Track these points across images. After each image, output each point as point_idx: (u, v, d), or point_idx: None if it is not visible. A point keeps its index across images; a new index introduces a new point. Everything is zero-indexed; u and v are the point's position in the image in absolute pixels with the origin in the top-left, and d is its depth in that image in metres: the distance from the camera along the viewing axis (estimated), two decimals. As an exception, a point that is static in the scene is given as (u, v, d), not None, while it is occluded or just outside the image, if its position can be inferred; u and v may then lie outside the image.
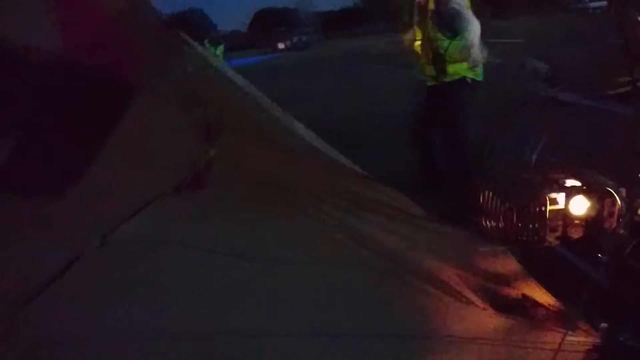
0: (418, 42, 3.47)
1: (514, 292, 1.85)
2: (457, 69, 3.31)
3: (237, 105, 2.59)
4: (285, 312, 1.84)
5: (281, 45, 38.11)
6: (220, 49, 5.53)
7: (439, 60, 3.32)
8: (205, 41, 5.86)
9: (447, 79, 3.35)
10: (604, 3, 33.29)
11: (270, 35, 40.55)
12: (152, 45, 2.53)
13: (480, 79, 3.39)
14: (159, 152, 2.68)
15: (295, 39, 37.55)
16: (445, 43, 3.27)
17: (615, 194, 1.83)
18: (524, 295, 1.85)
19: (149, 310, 1.88)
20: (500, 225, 1.90)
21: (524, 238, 1.83)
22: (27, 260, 2.12)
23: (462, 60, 3.26)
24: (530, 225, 1.83)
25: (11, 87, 2.17)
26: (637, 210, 1.78)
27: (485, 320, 1.73)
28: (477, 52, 3.17)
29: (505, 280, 1.91)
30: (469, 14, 3.16)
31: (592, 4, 33.63)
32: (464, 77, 3.30)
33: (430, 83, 3.48)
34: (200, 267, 2.17)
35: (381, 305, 1.85)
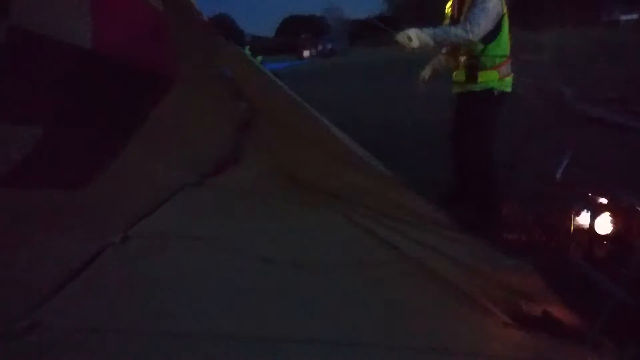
0: (447, 52, 3.42)
1: (536, 308, 1.82)
2: (487, 78, 3.21)
3: (277, 103, 2.62)
4: (304, 317, 1.85)
5: (306, 53, 38.37)
6: (259, 59, 5.76)
7: (471, 65, 3.23)
8: (247, 47, 5.99)
9: (477, 88, 3.26)
10: (635, 16, 32.81)
11: (297, 42, 40.87)
12: (195, 41, 2.57)
13: (508, 89, 3.34)
14: (191, 144, 2.72)
15: (321, 47, 37.76)
16: (480, 47, 3.19)
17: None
18: (546, 311, 1.82)
19: (167, 309, 1.91)
20: (524, 238, 1.88)
21: (548, 252, 1.81)
22: (52, 252, 2.15)
23: (493, 68, 3.22)
24: (554, 241, 1.82)
25: (44, 75, 2.20)
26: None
27: (506, 335, 1.71)
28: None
29: (529, 295, 1.88)
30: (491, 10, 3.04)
31: (623, 17, 33.16)
32: (491, 89, 3.26)
33: (457, 90, 3.40)
34: (221, 267, 2.19)
35: (400, 315, 1.84)
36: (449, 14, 3.45)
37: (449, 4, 3.48)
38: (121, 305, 1.95)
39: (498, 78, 3.20)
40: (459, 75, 3.32)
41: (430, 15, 3.14)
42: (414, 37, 2.84)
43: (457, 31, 2.99)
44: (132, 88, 2.53)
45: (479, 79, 3.20)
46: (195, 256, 2.27)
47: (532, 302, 1.84)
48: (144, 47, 2.57)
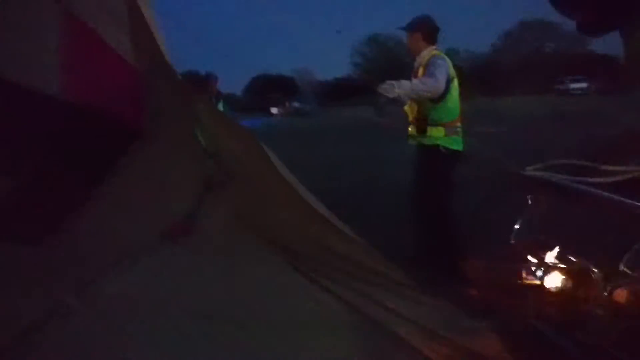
0: (408, 105, 3.71)
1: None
2: (434, 134, 3.52)
3: (249, 162, 2.66)
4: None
5: (274, 110, 39.05)
6: (221, 105, 5.95)
7: (420, 119, 3.58)
8: (221, 102, 6.17)
9: (426, 142, 3.55)
10: (584, 85, 35.05)
11: (266, 100, 41.68)
12: (167, 96, 2.61)
13: (459, 148, 3.56)
14: (157, 201, 2.69)
15: (290, 106, 38.57)
16: (429, 106, 3.52)
17: (592, 276, 1.88)
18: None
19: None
20: (482, 298, 1.93)
21: (505, 309, 1.86)
22: (6, 308, 2.08)
23: (440, 125, 3.47)
24: (511, 301, 1.87)
25: (8, 123, 2.18)
26: (612, 295, 1.82)
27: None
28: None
29: (487, 358, 1.91)
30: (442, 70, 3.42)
31: (573, 85, 35.43)
32: (438, 145, 3.48)
33: (411, 142, 3.72)
34: (179, 331, 2.13)
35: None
36: (414, 72, 3.68)
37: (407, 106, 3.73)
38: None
39: (444, 135, 3.47)
40: (412, 128, 3.68)
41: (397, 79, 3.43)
42: (397, 85, 3.28)
43: (427, 81, 3.36)
44: (100, 141, 2.52)
45: (428, 133, 3.53)
46: (154, 321, 2.20)
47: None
48: (115, 99, 2.59)
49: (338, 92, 48.94)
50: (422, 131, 3.57)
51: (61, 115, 2.35)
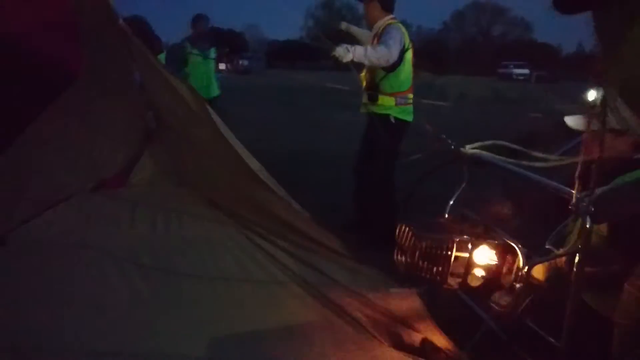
0: (363, 73, 3.68)
1: (415, 334, 1.94)
2: (384, 102, 3.54)
3: (184, 115, 2.57)
4: (187, 331, 1.82)
5: (222, 66, 37.96)
6: (162, 57, 5.39)
7: (372, 87, 3.57)
8: (164, 54, 5.67)
9: (376, 110, 3.56)
10: (527, 72, 36.49)
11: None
12: (108, 41, 2.46)
13: (408, 119, 3.61)
14: (91, 148, 2.58)
15: (237, 62, 37.55)
16: (382, 74, 3.52)
17: (518, 252, 1.98)
18: (424, 338, 1.94)
19: (45, 320, 1.79)
20: (409, 261, 1.99)
21: (429, 277, 1.94)
22: None
23: (391, 95, 3.47)
24: (436, 267, 1.95)
25: None
26: (531, 270, 1.94)
27: (383, 355, 1.80)
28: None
29: (409, 321, 2.00)
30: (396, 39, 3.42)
31: (516, 71, 36.81)
32: (388, 115, 3.51)
33: (363, 110, 3.71)
34: (108, 277, 2.09)
35: (290, 334, 1.88)
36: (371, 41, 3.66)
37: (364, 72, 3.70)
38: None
39: (394, 104, 3.49)
40: (364, 96, 3.66)
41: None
42: (351, 50, 3.24)
43: (380, 49, 3.36)
44: (31, 80, 2.37)
45: (379, 102, 3.55)
46: (79, 266, 2.14)
47: (413, 328, 1.95)
48: (49, 38, 2.42)
49: (287, 53, 48.20)
50: (373, 99, 3.57)
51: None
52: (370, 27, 3.73)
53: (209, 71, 5.84)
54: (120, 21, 2.39)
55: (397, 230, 2.04)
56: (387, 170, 3.62)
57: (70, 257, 2.15)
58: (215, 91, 5.94)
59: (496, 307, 1.97)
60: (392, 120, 3.54)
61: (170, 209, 2.57)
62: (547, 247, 2.09)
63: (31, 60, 2.31)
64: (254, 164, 2.46)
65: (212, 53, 5.92)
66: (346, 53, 3.26)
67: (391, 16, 3.60)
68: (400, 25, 3.56)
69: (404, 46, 3.49)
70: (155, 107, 2.73)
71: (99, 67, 2.56)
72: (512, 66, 37.87)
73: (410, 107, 3.64)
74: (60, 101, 2.49)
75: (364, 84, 3.70)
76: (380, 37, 3.48)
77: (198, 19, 5.75)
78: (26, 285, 1.98)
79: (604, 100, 1.24)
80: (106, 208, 2.51)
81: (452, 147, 2.52)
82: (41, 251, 2.17)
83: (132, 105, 2.76)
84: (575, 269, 1.82)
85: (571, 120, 2.17)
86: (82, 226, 2.37)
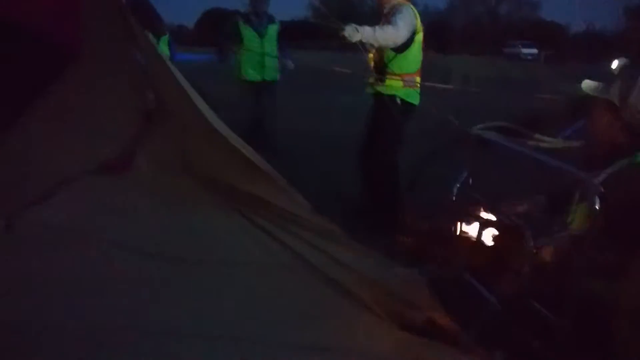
0: (371, 54, 3.64)
1: (420, 315, 1.94)
2: (393, 84, 3.50)
3: (184, 100, 2.55)
4: (197, 314, 1.83)
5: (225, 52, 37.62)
6: (164, 40, 5.08)
7: (381, 68, 3.52)
8: (166, 36, 5.31)
9: (383, 91, 3.52)
10: (535, 51, 35.99)
11: (219, 38, 40.01)
12: (109, 21, 2.42)
13: (414, 102, 3.57)
14: (92, 130, 2.56)
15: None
16: (391, 55, 3.47)
17: (526, 234, 1.97)
18: (429, 319, 1.95)
19: (43, 303, 1.80)
20: (416, 242, 2.00)
21: (435, 258, 1.95)
22: None
23: (398, 76, 3.44)
24: (442, 247, 1.95)
25: None
26: (538, 255, 1.93)
27: (389, 336, 1.81)
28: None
29: (414, 303, 2.00)
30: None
31: (524, 50, 36.28)
32: (395, 96, 3.47)
33: (369, 91, 3.66)
34: (114, 264, 2.09)
35: (292, 315, 1.89)
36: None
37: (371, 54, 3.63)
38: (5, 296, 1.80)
39: (402, 86, 3.44)
40: (372, 77, 3.60)
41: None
42: (360, 30, 3.19)
43: (388, 29, 3.29)
44: (30, 60, 2.34)
45: (386, 83, 3.50)
46: (81, 250, 2.13)
47: (416, 309, 1.96)
48: (49, 17, 2.39)
49: (293, 33, 47.70)
50: (380, 80, 3.52)
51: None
52: (379, 7, 3.67)
53: (264, 51, 5.39)
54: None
55: (405, 216, 2.05)
56: (392, 152, 3.59)
57: (76, 243, 2.15)
58: (269, 74, 5.54)
59: (501, 289, 1.98)
60: (398, 101, 3.50)
61: (173, 194, 2.56)
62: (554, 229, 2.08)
63: (32, 42, 2.29)
64: (249, 150, 2.44)
65: (270, 31, 5.48)
66: (355, 32, 3.21)
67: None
68: (411, 6, 3.49)
69: (414, 27, 3.42)
70: (156, 89, 2.71)
71: (99, 48, 2.53)
72: (519, 46, 37.33)
73: (417, 90, 3.59)
74: (60, 83, 2.47)
75: (372, 64, 3.65)
76: (389, 17, 3.40)
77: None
78: (34, 270, 1.99)
79: (625, 71, 1.22)
80: (110, 193, 2.50)
81: (458, 128, 2.50)
82: (48, 237, 2.17)
83: (133, 86, 2.74)
84: (582, 251, 1.82)
85: (587, 85, 2.14)
86: (87, 212, 2.36)
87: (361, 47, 3.41)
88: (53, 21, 2.37)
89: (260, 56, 5.32)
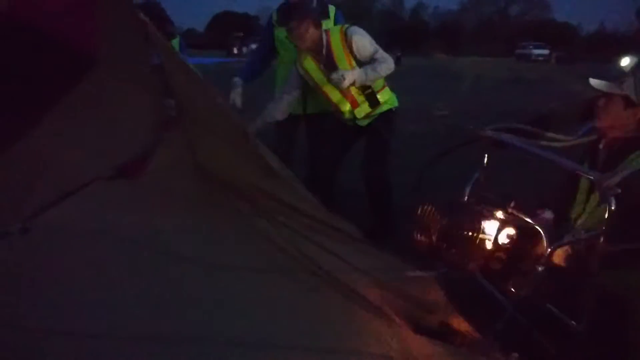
0: (338, 96, 3.34)
1: (435, 318, 1.92)
2: (386, 96, 3.36)
3: (202, 102, 2.55)
4: (208, 318, 1.83)
5: (235, 51, 37.96)
6: (174, 43, 4.81)
7: (369, 94, 3.31)
8: (177, 39, 5.03)
9: (384, 109, 3.38)
10: (546, 52, 35.80)
11: (229, 39, 40.30)
12: (127, 26, 2.44)
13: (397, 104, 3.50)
14: (110, 134, 2.57)
15: (252, 46, 37.42)
16: None
17: (542, 235, 1.95)
18: (444, 322, 1.93)
19: (62, 306, 1.80)
20: (430, 241, 1.97)
21: (449, 258, 1.92)
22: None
23: (384, 85, 3.36)
24: (457, 248, 1.92)
25: None
26: (552, 255, 1.91)
27: (404, 341, 1.79)
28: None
29: (429, 306, 1.98)
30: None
31: (535, 51, 36.06)
32: (391, 109, 3.40)
33: (365, 122, 3.42)
34: (128, 264, 2.10)
35: (306, 319, 1.87)
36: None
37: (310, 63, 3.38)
38: (14, 300, 1.81)
39: (391, 93, 3.39)
40: (361, 110, 3.34)
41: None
42: (347, 77, 3.05)
43: (387, 64, 3.17)
44: (47, 63, 2.36)
45: (381, 100, 3.33)
46: (98, 252, 2.15)
47: (431, 312, 1.94)
48: (66, 19, 2.41)
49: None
50: (376, 103, 3.33)
51: (6, 32, 2.18)
52: (309, 48, 3.27)
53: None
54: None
55: (419, 210, 2.02)
56: (385, 161, 3.50)
57: (91, 244, 2.16)
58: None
59: (517, 292, 1.95)
60: (394, 110, 3.45)
61: (187, 197, 2.56)
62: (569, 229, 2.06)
63: (52, 43, 2.31)
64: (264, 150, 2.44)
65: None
66: (341, 80, 3.08)
67: (324, 24, 3.32)
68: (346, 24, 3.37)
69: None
70: (176, 94, 2.72)
71: (116, 51, 2.55)
72: (530, 47, 37.12)
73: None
74: (77, 87, 2.49)
75: (350, 100, 3.34)
76: (353, 48, 3.18)
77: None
78: (49, 271, 2.00)
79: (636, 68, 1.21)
80: (125, 195, 2.51)
81: (469, 128, 2.48)
82: (63, 238, 2.17)
83: (151, 91, 2.75)
84: (597, 251, 1.79)
85: (597, 82, 2.12)
86: (102, 213, 2.37)
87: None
88: (71, 25, 2.39)
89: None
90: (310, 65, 3.28)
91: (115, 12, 2.41)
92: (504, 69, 20.96)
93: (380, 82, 3.32)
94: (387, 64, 3.18)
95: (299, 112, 3.59)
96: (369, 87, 3.26)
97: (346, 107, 3.32)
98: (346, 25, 3.28)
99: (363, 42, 3.20)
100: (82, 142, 2.53)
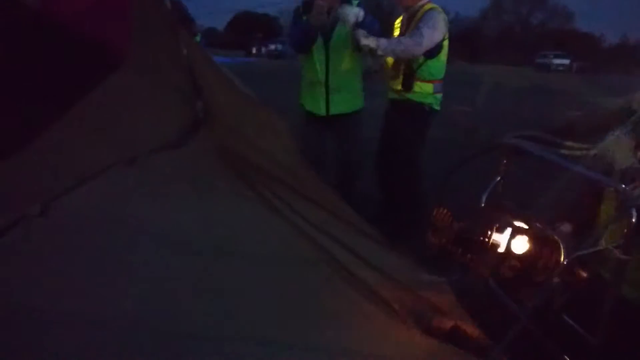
0: (392, 60, 3.53)
1: (447, 322, 1.91)
2: (421, 89, 3.39)
3: (231, 101, 2.56)
4: (220, 312, 1.83)
5: (254, 51, 38.19)
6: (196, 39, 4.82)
7: (409, 74, 3.40)
8: (198, 37, 5.07)
9: (412, 98, 3.42)
10: (567, 62, 35.39)
11: (247, 39, 40.53)
12: (157, 24, 2.47)
13: (437, 108, 3.50)
14: (133, 131, 2.60)
15: (271, 47, 37.57)
16: (420, 60, 3.37)
17: (560, 245, 1.92)
18: (455, 326, 1.91)
19: (77, 289, 1.82)
20: (443, 244, 1.96)
21: (462, 262, 1.91)
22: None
23: (429, 81, 3.37)
24: (470, 252, 1.91)
25: None
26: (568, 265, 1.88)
27: (413, 343, 1.79)
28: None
29: (441, 310, 1.97)
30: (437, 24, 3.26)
31: (555, 61, 35.64)
32: (422, 104, 3.40)
33: (392, 96, 3.54)
34: (138, 250, 2.11)
35: (315, 313, 1.88)
36: (398, 28, 3.57)
37: (399, 20, 3.60)
38: (30, 281, 1.84)
39: (432, 92, 3.37)
40: (396, 83, 3.46)
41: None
42: (371, 43, 3.07)
43: (406, 41, 3.18)
44: (76, 61, 2.40)
45: (414, 89, 3.36)
46: (117, 240, 2.17)
47: (443, 316, 1.93)
48: (100, 21, 2.45)
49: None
50: (408, 86, 3.41)
51: (39, 29, 2.22)
52: (403, 10, 3.55)
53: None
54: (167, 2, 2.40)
55: (434, 212, 2.01)
56: (416, 160, 3.54)
57: (109, 231, 2.19)
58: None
59: (531, 301, 1.93)
60: (427, 109, 3.44)
61: (209, 187, 2.57)
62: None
63: (81, 41, 2.35)
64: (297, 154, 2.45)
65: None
66: (365, 39, 3.08)
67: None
68: (441, 10, 3.39)
69: (445, 34, 3.34)
70: (204, 96, 2.74)
71: (147, 51, 2.58)
72: (551, 56, 36.72)
73: (441, 96, 3.53)
74: (105, 83, 2.52)
75: (392, 69, 3.54)
76: (418, 23, 3.30)
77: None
78: (67, 256, 2.02)
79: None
80: (146, 184, 2.53)
81: (490, 136, 2.46)
82: (81, 223, 2.20)
83: (179, 91, 2.77)
84: (618, 264, 1.77)
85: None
86: (122, 201, 2.40)
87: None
88: (101, 24, 2.43)
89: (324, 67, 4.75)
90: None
91: (150, 12, 2.44)
92: (523, 78, 20.75)
93: (428, 75, 3.36)
94: (412, 40, 3.17)
95: (322, 114, 3.58)
96: (414, 70, 3.34)
97: (390, 70, 3.49)
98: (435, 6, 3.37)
99: (432, 16, 3.24)
100: (103, 136, 2.56)
